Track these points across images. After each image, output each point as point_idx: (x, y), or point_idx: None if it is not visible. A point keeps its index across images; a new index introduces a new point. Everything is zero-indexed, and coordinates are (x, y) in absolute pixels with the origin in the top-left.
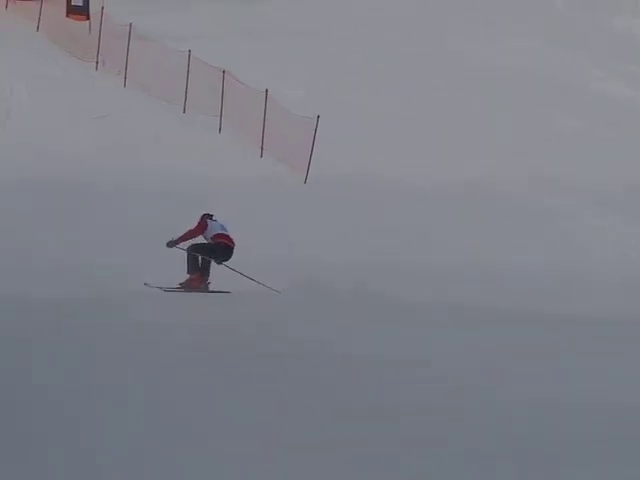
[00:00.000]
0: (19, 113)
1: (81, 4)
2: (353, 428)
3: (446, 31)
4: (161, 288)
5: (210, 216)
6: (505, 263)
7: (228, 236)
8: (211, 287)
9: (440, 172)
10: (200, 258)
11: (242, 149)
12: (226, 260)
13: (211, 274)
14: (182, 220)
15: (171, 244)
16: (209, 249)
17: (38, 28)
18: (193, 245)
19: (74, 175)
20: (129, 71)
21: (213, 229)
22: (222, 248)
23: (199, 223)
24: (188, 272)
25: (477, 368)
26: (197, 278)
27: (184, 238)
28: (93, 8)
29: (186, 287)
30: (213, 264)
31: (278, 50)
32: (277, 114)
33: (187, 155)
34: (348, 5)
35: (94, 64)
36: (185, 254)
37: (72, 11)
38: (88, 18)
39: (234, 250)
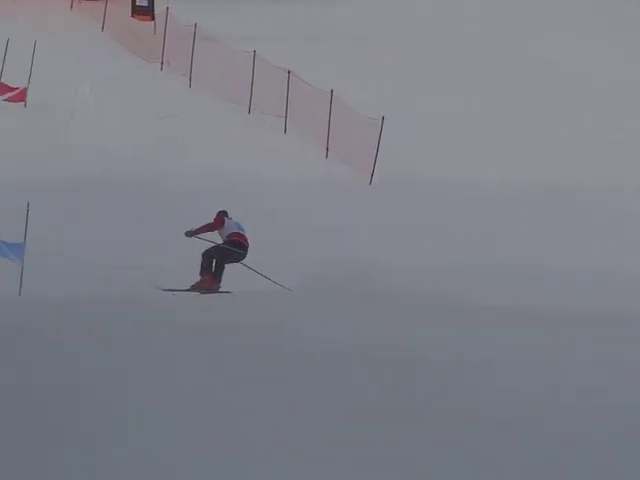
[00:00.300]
0: (83, 113)
1: (146, 4)
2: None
3: (511, 32)
4: (171, 290)
5: (226, 214)
6: (575, 264)
7: (243, 235)
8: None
9: (506, 173)
10: (214, 262)
11: (307, 150)
12: (241, 259)
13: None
14: (242, 220)
15: (190, 234)
16: (224, 250)
17: (103, 28)
18: (210, 250)
19: (137, 176)
20: (194, 72)
21: (229, 227)
22: (238, 246)
23: (216, 219)
24: (200, 274)
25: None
26: (208, 280)
27: (202, 230)
28: (158, 8)
29: (196, 288)
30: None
31: (343, 51)
32: (342, 115)
33: (252, 156)
34: (412, 8)
35: (159, 65)
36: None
37: (137, 12)
38: (153, 19)
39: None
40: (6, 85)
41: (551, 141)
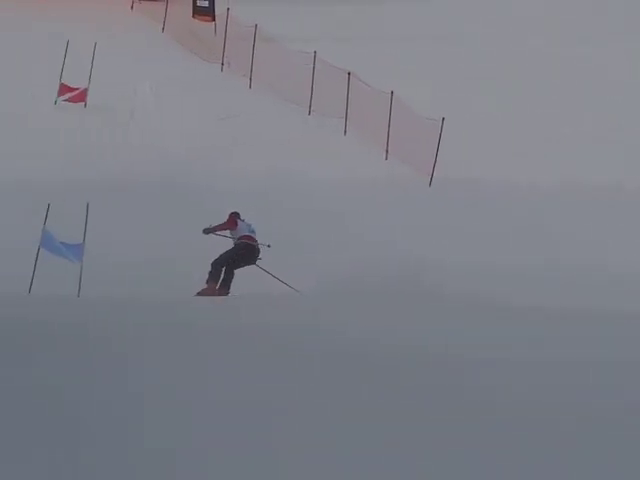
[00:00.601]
0: (143, 114)
1: (207, 5)
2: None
3: (574, 35)
4: None
5: (239, 215)
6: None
7: (253, 237)
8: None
9: (567, 174)
10: (223, 271)
11: (367, 151)
12: (251, 263)
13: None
14: (303, 221)
15: (207, 231)
16: (235, 253)
17: (163, 29)
18: (219, 258)
19: (196, 176)
20: (255, 73)
21: (241, 229)
22: (249, 248)
23: (229, 219)
24: (207, 281)
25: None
26: (212, 288)
27: (218, 229)
28: (219, 9)
29: (201, 295)
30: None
31: (403, 52)
32: (402, 116)
33: (311, 157)
34: (470, 7)
35: (219, 65)
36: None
37: (198, 12)
38: (214, 19)
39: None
40: (67, 85)
41: (614, 142)
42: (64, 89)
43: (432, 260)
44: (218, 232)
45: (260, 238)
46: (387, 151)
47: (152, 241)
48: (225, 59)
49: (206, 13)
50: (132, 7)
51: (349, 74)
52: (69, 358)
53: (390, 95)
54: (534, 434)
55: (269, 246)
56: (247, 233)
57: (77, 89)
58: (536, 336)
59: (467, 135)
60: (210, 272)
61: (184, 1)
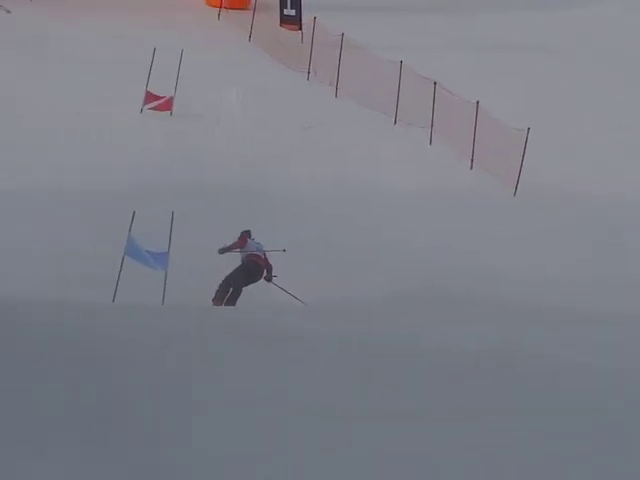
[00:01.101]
0: (229, 122)
1: (294, 14)
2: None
3: None
4: None
5: (249, 234)
6: None
7: (260, 256)
8: None
9: None
10: (230, 291)
11: (452, 161)
12: (256, 280)
13: None
14: (387, 230)
15: (222, 251)
16: (241, 272)
17: (250, 37)
18: (227, 278)
19: (282, 184)
20: (340, 81)
21: (249, 247)
22: (253, 265)
23: (241, 238)
24: (213, 300)
25: None
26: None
27: (232, 248)
28: (305, 18)
29: None
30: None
31: (489, 62)
32: (488, 126)
33: (397, 166)
34: (553, 18)
35: (306, 74)
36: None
37: (285, 21)
38: (300, 28)
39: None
40: (153, 94)
41: None
42: (150, 97)
43: (514, 269)
44: (233, 250)
45: (344, 244)
46: (472, 160)
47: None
48: (311, 68)
49: (293, 22)
50: (219, 16)
51: (435, 83)
52: (153, 366)
53: (476, 105)
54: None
55: (284, 250)
56: (254, 251)
57: (163, 97)
58: (620, 343)
59: (552, 145)
60: (217, 291)
61: (271, 10)
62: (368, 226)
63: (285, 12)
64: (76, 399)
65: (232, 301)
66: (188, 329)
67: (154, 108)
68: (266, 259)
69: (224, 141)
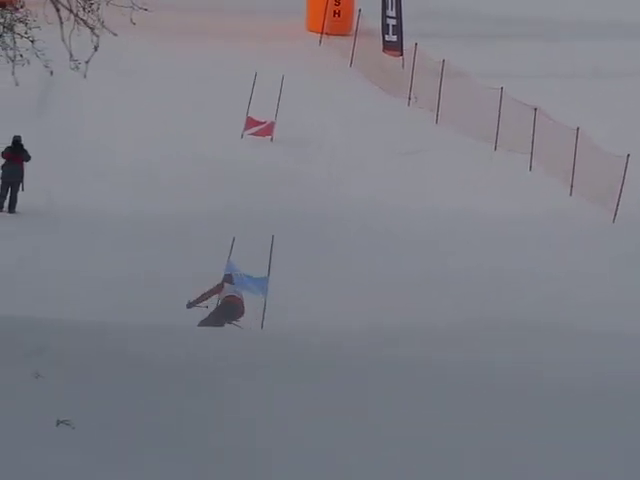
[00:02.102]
0: (330, 148)
1: (395, 40)
2: None
3: None
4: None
5: (230, 279)
6: None
7: (236, 297)
8: None
9: None
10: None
11: (552, 187)
12: (233, 319)
13: None
14: (487, 255)
15: (190, 305)
16: (217, 313)
17: (351, 63)
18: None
19: (381, 211)
20: (441, 107)
21: (226, 291)
22: (229, 305)
23: (218, 285)
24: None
25: None
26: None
27: (204, 298)
28: (406, 44)
29: None
30: None
31: (588, 89)
32: (587, 152)
33: (497, 192)
34: None
35: (406, 100)
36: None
37: (387, 47)
38: (402, 54)
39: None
40: (254, 119)
41: None
42: (251, 123)
43: (612, 297)
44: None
45: (440, 269)
46: (572, 187)
47: (335, 275)
48: (412, 94)
49: (394, 47)
50: (320, 42)
51: (535, 110)
52: (254, 389)
53: (576, 131)
54: None
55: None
56: (231, 294)
57: (264, 122)
58: None
59: None
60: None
61: (372, 35)
62: (467, 252)
63: (387, 38)
64: (178, 426)
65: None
66: (286, 353)
67: (255, 134)
68: (241, 299)
69: (324, 166)
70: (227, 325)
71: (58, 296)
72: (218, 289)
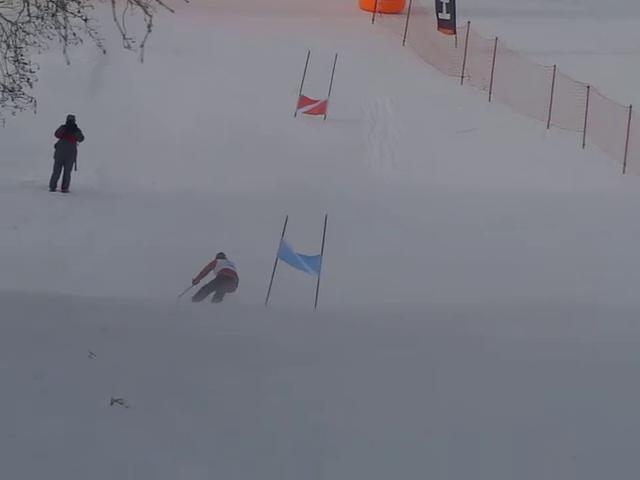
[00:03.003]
0: (383, 126)
1: (448, 18)
2: None
3: None
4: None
5: (223, 255)
6: None
7: (230, 270)
8: None
9: None
10: (212, 295)
11: (604, 164)
12: (230, 290)
13: None
14: (538, 234)
15: (194, 282)
16: (214, 283)
17: (404, 42)
18: (204, 287)
19: (430, 189)
20: (494, 86)
21: (220, 265)
22: (224, 278)
23: (211, 262)
24: (193, 300)
25: None
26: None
27: (202, 274)
28: (459, 22)
29: None
30: None
31: None
32: None
33: (550, 170)
34: None
35: (459, 78)
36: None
37: (440, 25)
38: (455, 32)
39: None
40: (307, 98)
41: None
42: (304, 101)
43: None
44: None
45: (496, 248)
46: (625, 164)
47: (388, 255)
48: (465, 72)
49: (447, 26)
50: (373, 20)
51: (588, 87)
52: (305, 371)
53: (629, 109)
54: None
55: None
56: (225, 267)
57: (317, 101)
58: None
59: None
60: (198, 293)
61: (424, 14)
62: (522, 231)
63: (440, 16)
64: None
65: (216, 300)
66: (340, 333)
67: (308, 112)
68: (235, 272)
69: (377, 145)
70: (277, 304)
71: (112, 274)
72: (212, 265)
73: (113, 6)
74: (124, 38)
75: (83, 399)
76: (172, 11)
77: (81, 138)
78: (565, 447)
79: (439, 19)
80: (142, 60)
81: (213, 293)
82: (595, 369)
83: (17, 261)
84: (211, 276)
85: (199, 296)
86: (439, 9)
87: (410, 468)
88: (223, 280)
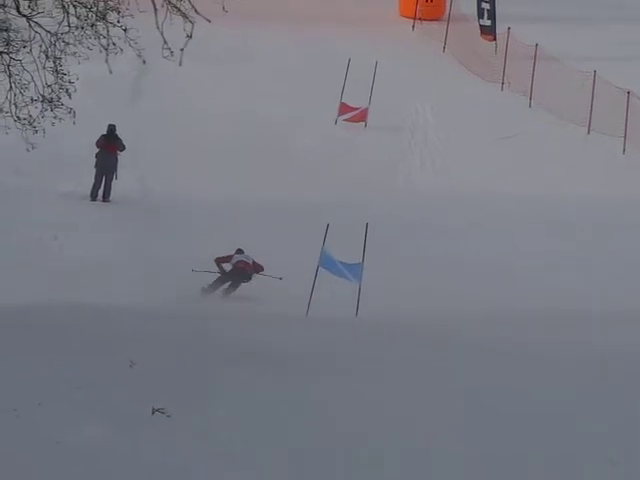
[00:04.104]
0: (424, 133)
1: (489, 24)
2: None
3: None
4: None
5: (241, 251)
6: None
7: (245, 262)
8: None
9: None
10: (227, 285)
11: None
12: (245, 280)
13: None
14: (581, 240)
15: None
16: (229, 275)
17: (444, 48)
18: (219, 277)
19: (475, 196)
20: (534, 92)
21: (235, 259)
22: (239, 269)
23: (228, 255)
24: (207, 290)
25: None
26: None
27: (219, 260)
28: (499, 28)
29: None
30: None
31: None
32: None
33: (591, 176)
34: None
35: (499, 85)
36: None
37: (482, 31)
38: (495, 38)
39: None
40: (347, 105)
41: None
42: (345, 108)
43: None
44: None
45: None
46: None
47: (431, 263)
48: (505, 78)
49: (488, 32)
50: (413, 27)
51: (628, 93)
52: (346, 381)
53: None
54: None
55: (281, 279)
56: (240, 259)
57: (358, 108)
58: None
59: None
60: (213, 283)
61: (465, 20)
62: (562, 234)
63: (481, 22)
64: (275, 412)
65: (230, 290)
66: (380, 342)
67: (349, 119)
68: (254, 265)
69: (418, 152)
70: (318, 313)
71: (152, 282)
72: (228, 258)
73: (156, 14)
74: (165, 46)
75: (126, 408)
76: (209, 21)
77: (122, 148)
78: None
79: (480, 25)
80: (180, 64)
81: (228, 284)
82: None
83: (58, 271)
84: (227, 268)
85: (213, 287)
86: (480, 15)
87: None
88: (238, 272)
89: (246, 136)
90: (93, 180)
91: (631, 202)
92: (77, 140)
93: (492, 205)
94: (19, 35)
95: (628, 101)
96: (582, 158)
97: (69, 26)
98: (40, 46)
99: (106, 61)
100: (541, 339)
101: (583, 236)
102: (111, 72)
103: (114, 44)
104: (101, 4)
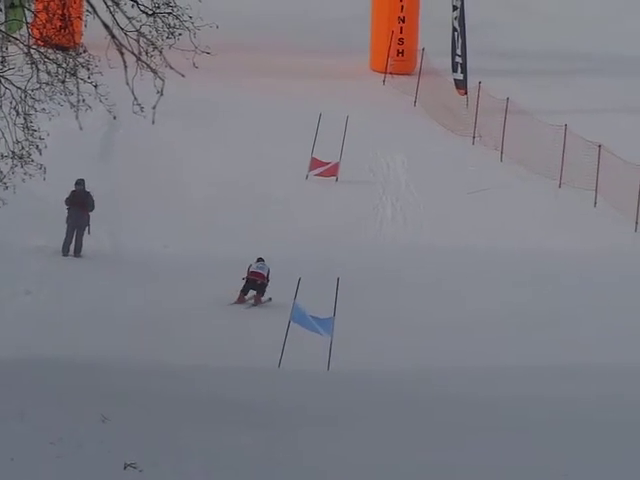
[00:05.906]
0: (395, 187)
1: (462, 78)
2: None
3: None
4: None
5: (259, 259)
6: None
7: (257, 272)
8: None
9: None
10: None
11: (617, 223)
12: (257, 290)
13: None
14: (550, 295)
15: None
16: (245, 285)
17: (415, 102)
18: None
19: (445, 250)
20: (505, 145)
21: (251, 268)
22: (250, 280)
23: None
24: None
25: None
26: (241, 297)
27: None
28: (470, 82)
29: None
30: None
31: None
32: None
33: (562, 229)
34: None
35: (470, 139)
36: None
37: (455, 85)
38: (466, 92)
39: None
40: (318, 160)
41: None
42: (316, 163)
43: None
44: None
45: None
46: (637, 223)
47: (401, 318)
48: (476, 132)
49: (460, 86)
50: (384, 81)
51: (599, 146)
52: (319, 433)
53: None
54: None
55: (270, 299)
56: (254, 270)
57: (329, 163)
58: None
59: None
60: (242, 289)
61: (436, 74)
62: (533, 288)
63: (455, 76)
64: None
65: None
66: (353, 395)
67: (320, 174)
68: (265, 275)
69: (389, 206)
70: (290, 366)
71: (124, 338)
72: (249, 266)
73: (125, 71)
74: (135, 102)
75: (98, 463)
76: (183, 76)
77: (92, 208)
78: None
79: (454, 79)
80: (153, 122)
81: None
82: None
83: (31, 326)
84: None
85: (239, 299)
86: (454, 69)
87: None
88: (249, 281)
89: (217, 191)
90: (65, 235)
91: (600, 254)
92: (49, 195)
93: (463, 259)
94: None
95: (599, 154)
96: (554, 211)
97: (39, 82)
98: (10, 102)
99: (76, 117)
100: (510, 392)
101: (555, 289)
102: (81, 128)
103: (84, 100)
104: (71, 61)
